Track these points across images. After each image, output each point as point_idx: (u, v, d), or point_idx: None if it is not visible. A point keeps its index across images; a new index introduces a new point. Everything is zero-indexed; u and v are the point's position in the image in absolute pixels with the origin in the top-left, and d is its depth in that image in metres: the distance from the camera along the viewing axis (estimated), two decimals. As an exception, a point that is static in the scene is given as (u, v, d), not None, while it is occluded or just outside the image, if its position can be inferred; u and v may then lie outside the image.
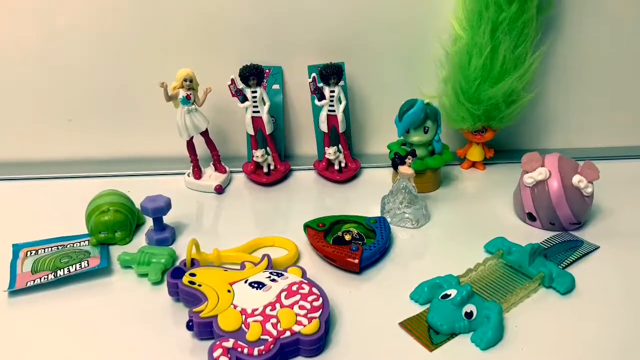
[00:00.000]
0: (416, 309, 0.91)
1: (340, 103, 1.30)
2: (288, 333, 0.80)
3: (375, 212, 1.18)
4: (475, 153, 1.39)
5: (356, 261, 0.98)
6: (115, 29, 1.31)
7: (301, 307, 0.84)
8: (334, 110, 1.30)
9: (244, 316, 0.83)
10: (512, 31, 1.24)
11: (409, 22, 1.34)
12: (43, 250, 1.04)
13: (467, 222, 1.17)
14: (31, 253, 1.03)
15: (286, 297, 0.86)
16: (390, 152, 1.29)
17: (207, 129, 1.28)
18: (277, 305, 0.84)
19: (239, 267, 0.95)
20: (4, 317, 0.90)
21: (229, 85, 1.24)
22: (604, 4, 1.35)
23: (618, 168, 1.39)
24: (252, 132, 1.31)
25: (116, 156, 1.42)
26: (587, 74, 1.43)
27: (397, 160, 1.15)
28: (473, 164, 1.41)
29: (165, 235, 1.08)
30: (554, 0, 1.31)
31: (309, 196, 1.30)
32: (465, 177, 1.37)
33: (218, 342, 0.79)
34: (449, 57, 1.34)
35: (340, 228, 1.10)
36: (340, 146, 1.35)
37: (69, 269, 0.97)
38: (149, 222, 1.12)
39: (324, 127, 1.32)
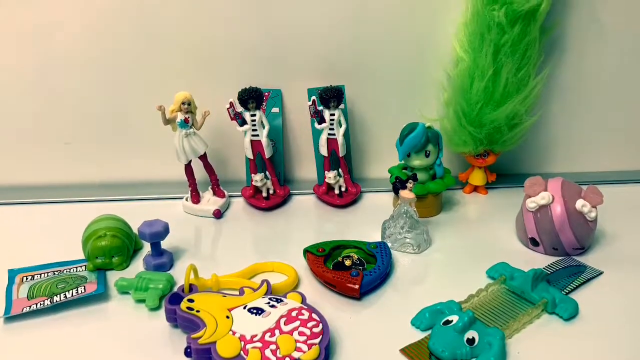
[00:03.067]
0: (417, 335, 0.91)
1: (341, 126, 1.31)
2: None
3: (375, 237, 1.19)
4: (477, 177, 1.40)
5: (356, 287, 0.98)
6: (113, 52, 1.32)
7: (301, 334, 0.84)
8: (334, 134, 1.31)
9: (242, 342, 0.83)
10: (515, 54, 1.25)
11: (410, 44, 1.35)
12: (39, 275, 1.05)
13: (469, 247, 1.17)
14: (27, 279, 1.04)
15: (285, 323, 0.86)
16: (391, 176, 1.29)
17: (205, 153, 1.29)
18: (277, 331, 0.85)
19: (237, 292, 0.96)
20: (-1, 344, 0.90)
21: (227, 109, 1.25)
22: (607, 26, 1.36)
23: (622, 192, 1.39)
24: (251, 156, 1.32)
25: (113, 180, 1.43)
26: (590, 97, 1.43)
27: (398, 185, 1.16)
28: (475, 188, 1.42)
29: (163, 260, 1.08)
30: (557, 22, 1.32)
31: (308, 221, 1.31)
32: (467, 202, 1.37)
33: (217, 369, 0.79)
34: (451, 79, 1.35)
35: (340, 253, 1.10)
36: (340, 170, 1.35)
37: (65, 294, 0.98)
38: (147, 247, 1.12)
39: (323, 150, 1.33)
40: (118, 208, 1.22)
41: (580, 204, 1.09)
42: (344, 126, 1.31)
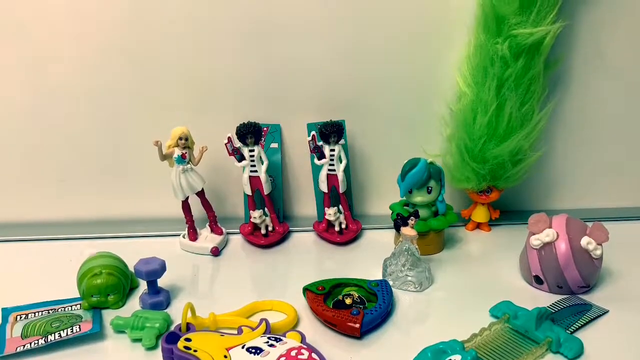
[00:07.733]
0: (419, 376, 0.92)
1: (341, 162, 1.32)
2: (287, 400, 0.82)
3: (376, 275, 1.20)
4: (480, 214, 1.40)
5: (357, 326, 0.99)
6: (108, 86, 1.34)
7: (300, 373, 0.85)
8: (334, 170, 1.32)
9: (241, 382, 0.84)
10: (519, 88, 1.26)
11: (412, 78, 1.37)
12: (33, 314, 1.06)
13: (472, 286, 1.18)
14: (21, 317, 1.05)
15: (285, 363, 0.87)
16: (392, 213, 1.30)
17: (203, 189, 1.31)
18: (276, 371, 0.86)
19: (236, 331, 0.97)
20: (-8, 384, 0.91)
21: (225, 144, 1.27)
22: (613, 60, 1.38)
23: (628, 229, 1.40)
24: (249, 192, 1.33)
25: (109, 217, 1.43)
26: (595, 132, 1.45)
27: (399, 222, 1.17)
28: (478, 225, 1.43)
29: (159, 298, 1.09)
30: (562, 56, 1.34)
31: (308, 258, 1.31)
32: (470, 239, 1.38)
33: (215, 409, 0.80)
34: (453, 114, 1.36)
35: (340, 291, 1.11)
36: (340, 207, 1.36)
37: (60, 333, 0.98)
38: (143, 285, 1.12)
39: (323, 187, 1.34)
40: (114, 245, 1.22)
41: (585, 241, 1.10)
42: (344, 162, 1.32)
